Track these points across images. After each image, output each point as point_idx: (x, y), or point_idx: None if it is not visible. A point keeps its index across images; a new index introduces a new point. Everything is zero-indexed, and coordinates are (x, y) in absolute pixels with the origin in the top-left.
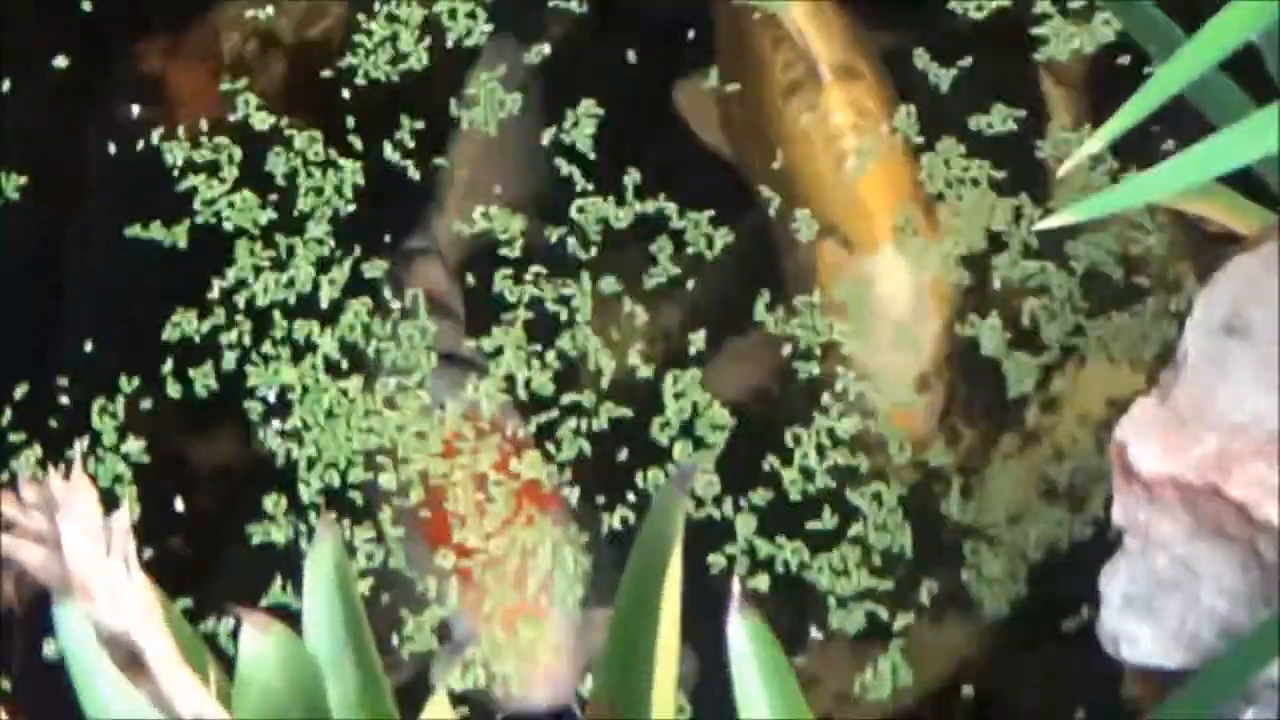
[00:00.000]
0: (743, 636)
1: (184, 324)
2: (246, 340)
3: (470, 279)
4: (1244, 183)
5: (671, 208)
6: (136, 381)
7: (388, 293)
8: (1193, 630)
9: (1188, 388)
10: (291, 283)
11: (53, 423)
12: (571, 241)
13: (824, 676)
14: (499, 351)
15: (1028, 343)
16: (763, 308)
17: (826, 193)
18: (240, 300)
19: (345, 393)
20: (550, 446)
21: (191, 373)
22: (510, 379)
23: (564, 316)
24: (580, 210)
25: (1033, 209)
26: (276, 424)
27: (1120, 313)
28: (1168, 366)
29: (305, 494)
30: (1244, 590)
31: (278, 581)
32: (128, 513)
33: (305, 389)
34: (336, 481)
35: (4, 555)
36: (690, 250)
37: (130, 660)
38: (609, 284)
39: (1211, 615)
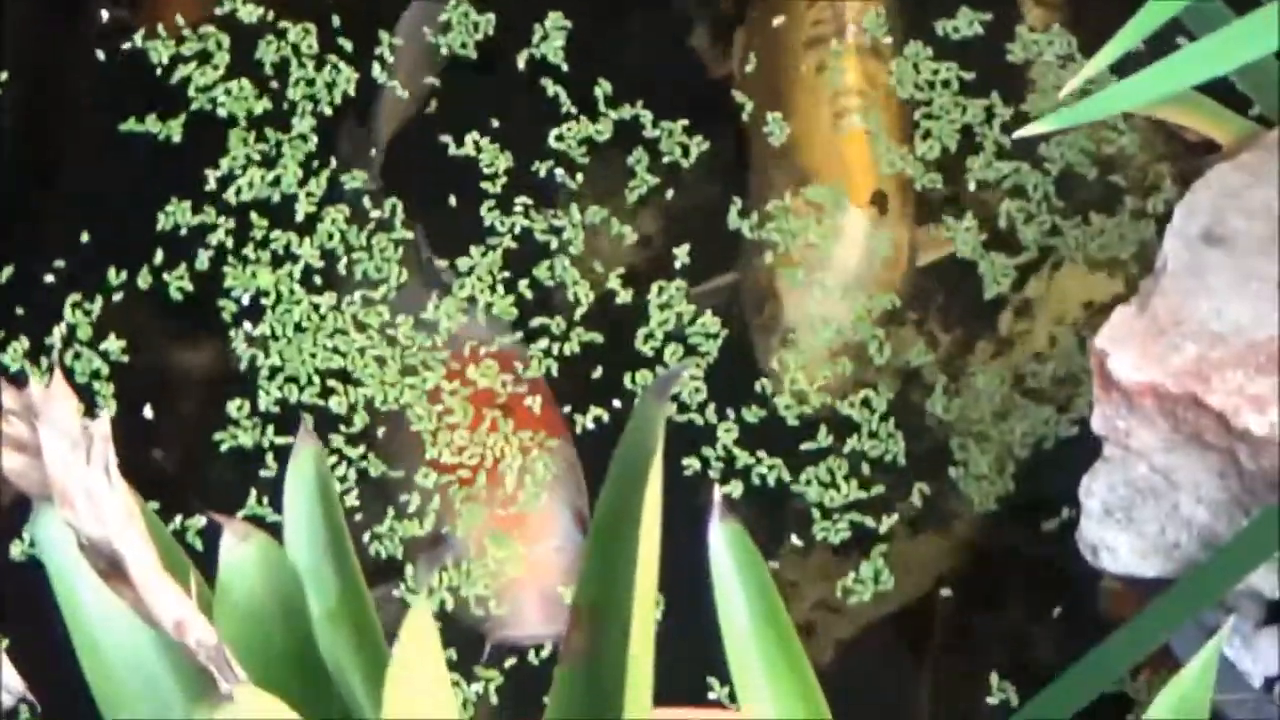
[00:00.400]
0: (722, 543)
1: (176, 215)
2: (229, 240)
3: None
4: (1226, 96)
5: (647, 115)
6: (121, 276)
7: (367, 203)
8: (1172, 539)
9: (1167, 297)
10: (277, 181)
11: (32, 316)
12: (560, 172)
13: (804, 584)
14: (470, 271)
15: (1004, 244)
16: (736, 214)
17: (815, 145)
18: (229, 196)
19: (317, 308)
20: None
21: (173, 273)
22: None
23: (553, 245)
24: (559, 138)
25: (1004, 109)
26: (247, 327)
27: (1098, 214)
28: (1147, 276)
29: (264, 402)
30: (1223, 499)
31: (253, 495)
32: (108, 419)
33: (279, 298)
34: (294, 396)
35: None
36: (666, 160)
37: (110, 568)
38: (594, 211)
39: (1190, 524)
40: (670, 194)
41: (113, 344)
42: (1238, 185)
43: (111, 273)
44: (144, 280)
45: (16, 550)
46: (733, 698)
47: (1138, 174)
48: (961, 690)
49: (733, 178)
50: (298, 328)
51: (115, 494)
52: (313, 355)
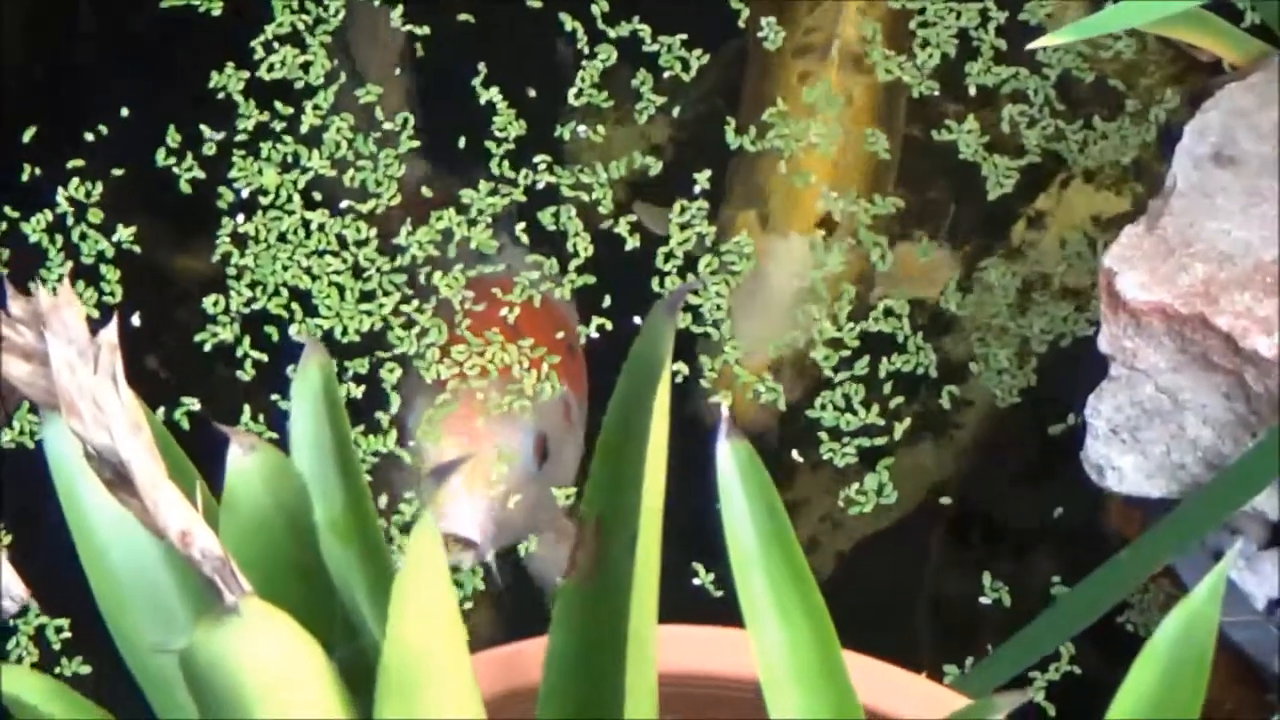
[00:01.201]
0: (729, 461)
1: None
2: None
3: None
4: (1238, 16)
5: (645, 30)
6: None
7: (380, 113)
8: (1177, 460)
9: (1176, 217)
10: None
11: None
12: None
13: (810, 500)
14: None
15: (1006, 147)
16: (733, 133)
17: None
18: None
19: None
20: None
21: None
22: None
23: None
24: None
25: (999, 12)
26: (240, 220)
27: (1101, 119)
28: (1156, 195)
29: (234, 303)
30: (1230, 421)
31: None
32: (115, 328)
33: (275, 200)
34: (259, 303)
35: None
36: (668, 75)
37: (117, 478)
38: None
39: (1196, 445)
40: (678, 111)
41: (123, 233)
42: (1248, 106)
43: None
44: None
45: (6, 438)
46: (716, 585)
47: (1136, 78)
48: (959, 592)
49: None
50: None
51: (122, 403)
52: (285, 268)
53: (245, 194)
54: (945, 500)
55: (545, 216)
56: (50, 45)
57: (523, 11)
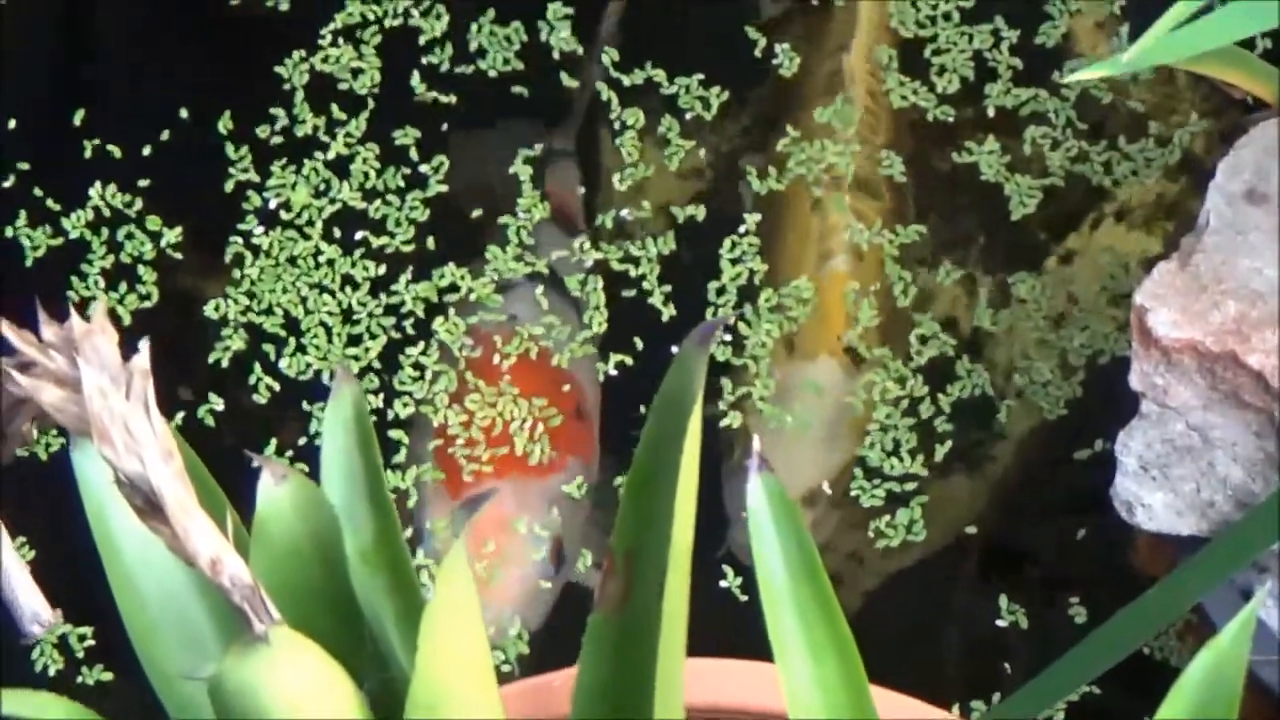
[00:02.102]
0: (761, 496)
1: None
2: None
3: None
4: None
5: (660, 74)
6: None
7: (414, 155)
8: (1207, 498)
9: (1209, 254)
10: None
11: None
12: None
13: (836, 540)
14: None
15: (1027, 167)
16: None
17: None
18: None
19: (316, 254)
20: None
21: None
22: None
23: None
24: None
25: (1011, 31)
26: (257, 230)
27: (1125, 140)
28: (1189, 232)
29: (231, 311)
30: (1259, 459)
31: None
32: (148, 354)
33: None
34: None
35: (23, 396)
36: (690, 116)
37: (147, 505)
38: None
39: (1227, 484)
40: (704, 153)
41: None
42: None
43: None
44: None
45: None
46: (743, 590)
47: (1159, 101)
48: (986, 627)
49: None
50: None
51: (154, 430)
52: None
53: (272, 204)
54: (971, 530)
55: (571, 283)
56: (106, 38)
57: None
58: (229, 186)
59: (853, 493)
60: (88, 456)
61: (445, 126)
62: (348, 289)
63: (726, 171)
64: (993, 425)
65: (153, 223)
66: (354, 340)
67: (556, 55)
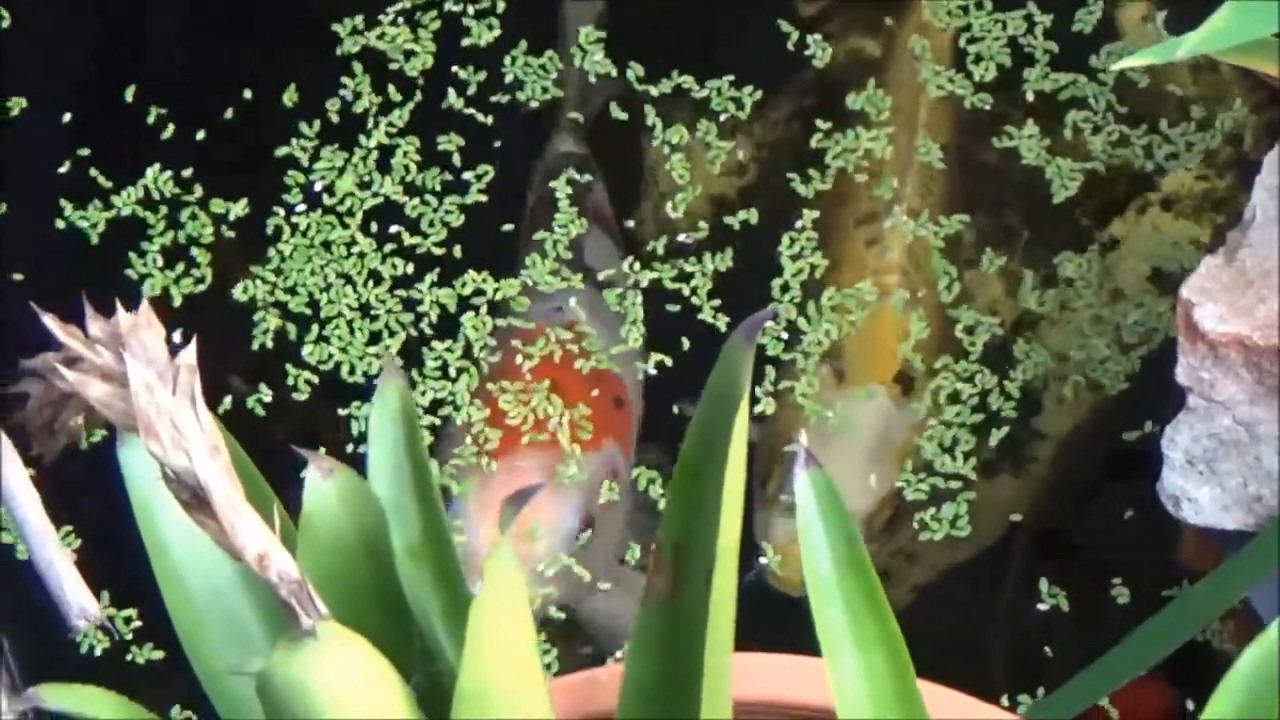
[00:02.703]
0: (809, 490)
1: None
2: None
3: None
4: None
5: (689, 79)
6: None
7: (458, 161)
8: (1254, 492)
9: (1255, 248)
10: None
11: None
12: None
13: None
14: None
15: (1069, 151)
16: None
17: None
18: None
19: (350, 244)
20: None
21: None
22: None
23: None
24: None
25: (1044, 15)
26: (300, 209)
27: (1167, 125)
28: (1235, 227)
29: (259, 291)
30: None
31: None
32: (194, 349)
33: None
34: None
35: (70, 391)
36: (724, 118)
37: (194, 500)
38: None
39: (1273, 477)
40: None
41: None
42: None
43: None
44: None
45: None
46: (781, 565)
47: (1193, 80)
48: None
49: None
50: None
51: (201, 425)
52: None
53: (318, 187)
54: (1017, 517)
55: (610, 297)
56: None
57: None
58: (279, 161)
59: (898, 484)
60: (134, 451)
61: (490, 122)
62: (370, 283)
63: (771, 169)
64: (1054, 406)
65: (216, 205)
66: (374, 337)
67: (593, 78)
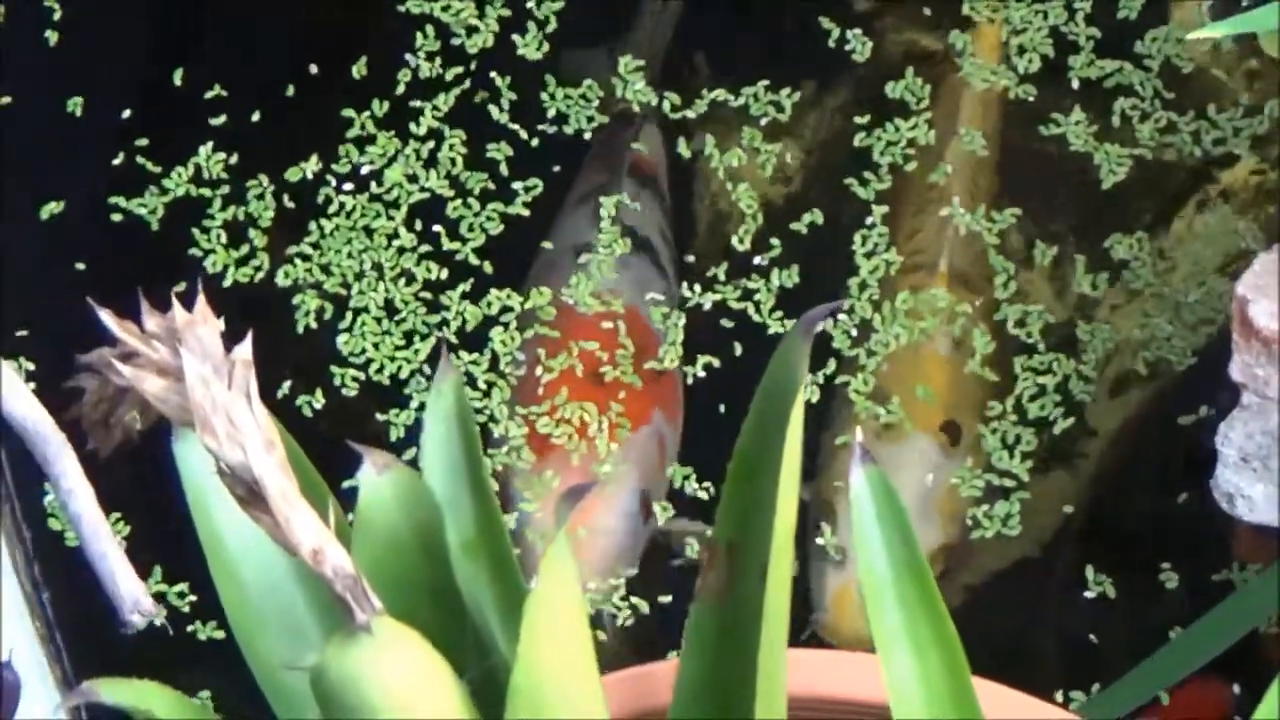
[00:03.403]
0: (864, 487)
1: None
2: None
3: None
4: None
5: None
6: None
7: (505, 170)
8: None
9: None
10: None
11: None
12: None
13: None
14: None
15: (1118, 137)
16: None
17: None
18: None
19: (392, 236)
20: None
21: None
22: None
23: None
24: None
25: (1083, 2)
26: (347, 189)
27: (1215, 110)
28: None
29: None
30: None
31: None
32: (250, 344)
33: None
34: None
35: (126, 386)
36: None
37: (249, 495)
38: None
39: None
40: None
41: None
42: None
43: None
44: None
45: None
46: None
47: (1235, 65)
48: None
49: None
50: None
51: (256, 420)
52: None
53: (365, 170)
54: (1069, 509)
55: (655, 314)
56: None
57: None
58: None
59: (952, 481)
60: (189, 446)
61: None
62: (401, 281)
63: (826, 171)
64: (1118, 390)
65: (254, 186)
66: (407, 338)
67: (635, 106)
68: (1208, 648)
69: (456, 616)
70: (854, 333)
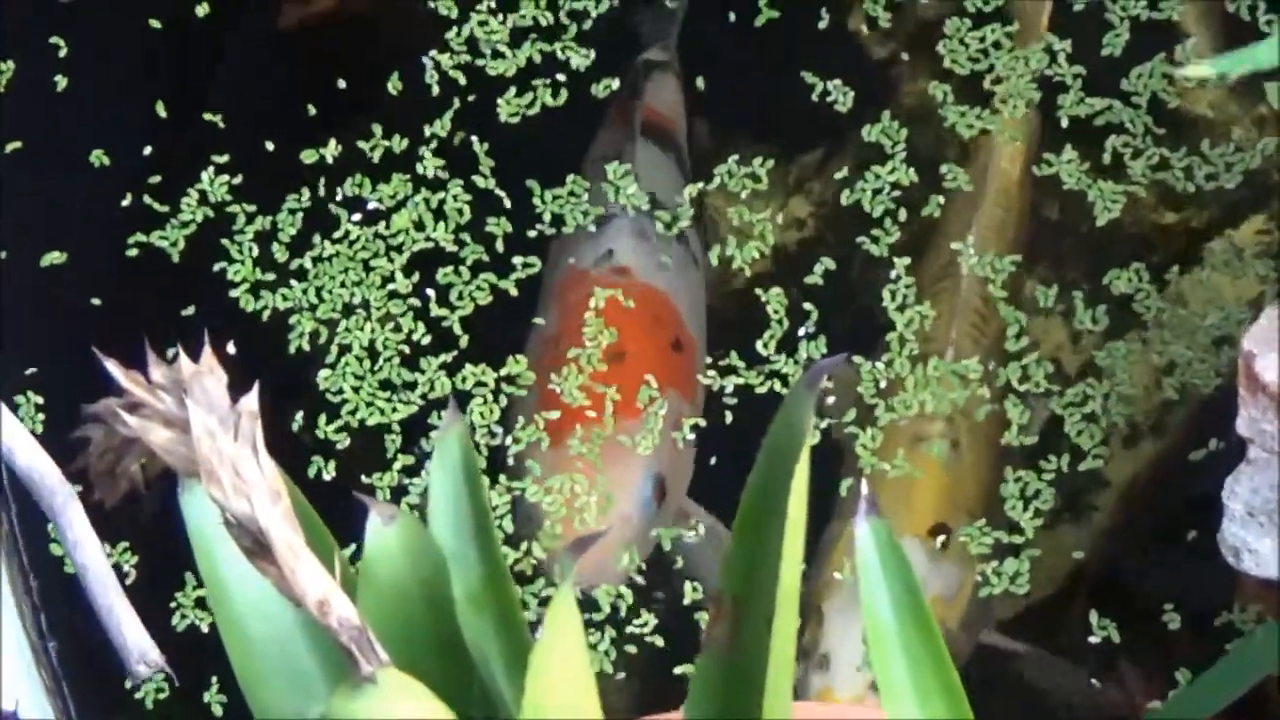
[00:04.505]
0: (869, 539)
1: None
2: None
3: None
4: None
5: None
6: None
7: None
8: None
9: None
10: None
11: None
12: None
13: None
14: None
15: (1109, 174)
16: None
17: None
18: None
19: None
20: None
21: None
22: None
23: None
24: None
25: (1062, 43)
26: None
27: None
28: None
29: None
30: None
31: None
32: (256, 395)
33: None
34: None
35: (132, 437)
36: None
37: (255, 546)
38: None
39: None
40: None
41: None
42: None
43: None
44: None
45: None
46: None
47: (1222, 102)
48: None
49: None
50: (366, 266)
51: (262, 471)
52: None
53: (370, 206)
54: (1079, 555)
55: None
56: None
57: None
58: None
59: (960, 538)
60: (195, 497)
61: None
62: (387, 325)
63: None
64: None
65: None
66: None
67: (631, 212)
68: (1212, 702)
69: (462, 668)
70: (883, 384)
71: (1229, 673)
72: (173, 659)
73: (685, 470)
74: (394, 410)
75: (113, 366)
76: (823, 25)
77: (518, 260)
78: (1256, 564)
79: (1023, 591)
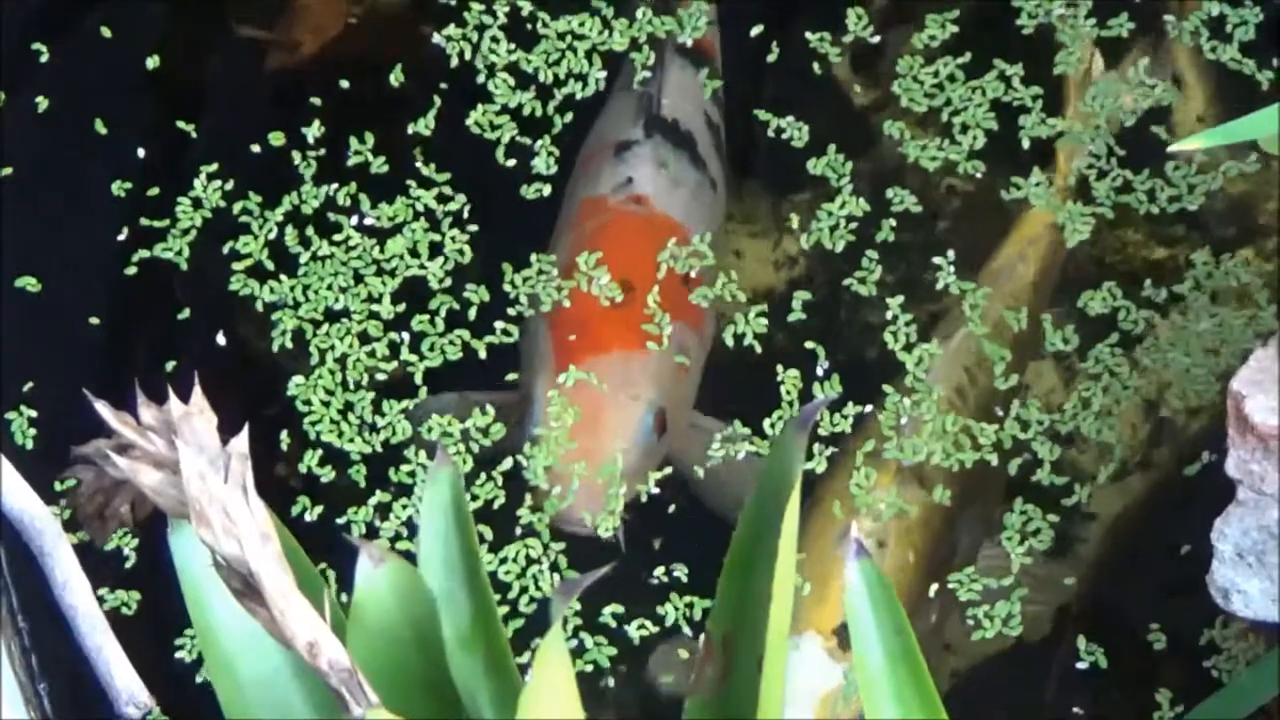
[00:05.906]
0: (859, 581)
1: None
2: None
3: None
4: None
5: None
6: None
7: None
8: None
9: None
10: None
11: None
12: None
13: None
14: None
15: (1079, 196)
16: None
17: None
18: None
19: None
20: None
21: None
22: None
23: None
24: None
25: (1012, 67)
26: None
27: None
28: None
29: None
30: None
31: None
32: (246, 438)
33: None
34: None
35: (121, 478)
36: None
37: (245, 587)
38: None
39: None
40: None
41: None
42: None
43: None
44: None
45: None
46: None
47: (1184, 122)
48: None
49: None
50: (358, 277)
51: (251, 514)
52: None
53: (369, 220)
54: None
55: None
56: None
57: None
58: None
59: (950, 585)
60: (185, 539)
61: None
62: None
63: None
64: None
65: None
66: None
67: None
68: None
69: (452, 710)
70: (903, 421)
71: (1215, 712)
72: (173, 697)
73: (687, 400)
74: (362, 440)
75: (103, 408)
76: None
77: (500, 326)
78: (1245, 605)
79: (1016, 632)
